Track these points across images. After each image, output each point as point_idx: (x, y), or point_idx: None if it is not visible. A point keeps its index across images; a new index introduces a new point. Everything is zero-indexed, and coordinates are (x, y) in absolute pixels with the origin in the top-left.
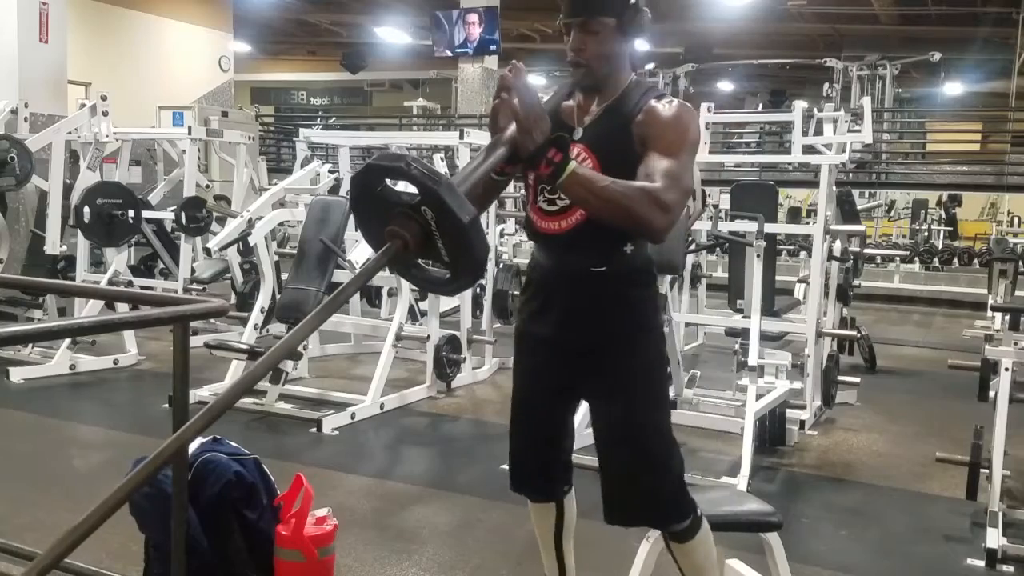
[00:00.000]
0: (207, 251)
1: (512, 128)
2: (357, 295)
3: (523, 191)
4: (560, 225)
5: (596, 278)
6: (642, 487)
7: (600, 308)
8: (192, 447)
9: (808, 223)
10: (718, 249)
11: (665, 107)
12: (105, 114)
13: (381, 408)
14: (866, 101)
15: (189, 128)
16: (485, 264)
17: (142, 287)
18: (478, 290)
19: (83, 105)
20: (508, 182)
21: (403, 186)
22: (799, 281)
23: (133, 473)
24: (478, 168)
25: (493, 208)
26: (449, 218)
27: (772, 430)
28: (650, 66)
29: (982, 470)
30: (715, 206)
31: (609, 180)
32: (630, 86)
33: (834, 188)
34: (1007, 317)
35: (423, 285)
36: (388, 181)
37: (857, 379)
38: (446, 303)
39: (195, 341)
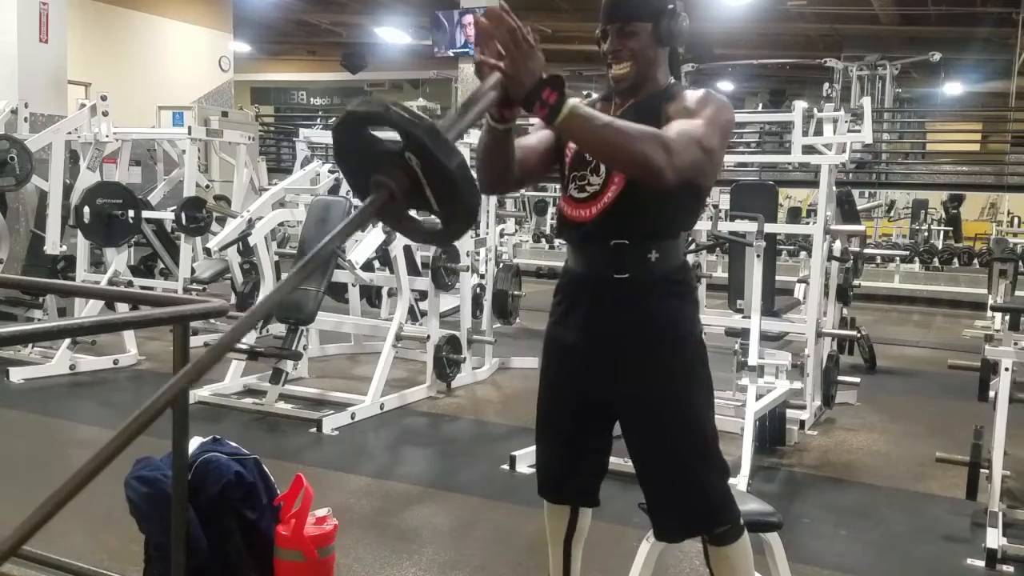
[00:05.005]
0: (207, 251)
1: (496, 74)
2: (357, 295)
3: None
4: (588, 212)
5: (619, 285)
6: (684, 494)
7: (623, 315)
8: (192, 447)
9: (808, 223)
10: (718, 249)
11: (695, 91)
12: (105, 114)
13: (381, 408)
14: (866, 101)
15: (189, 128)
16: (477, 211)
17: (142, 287)
18: (478, 290)
19: (83, 105)
20: (511, 133)
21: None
22: (799, 281)
23: (127, 423)
24: (467, 113)
25: (492, 207)
26: (434, 164)
27: (772, 430)
28: None
29: (982, 470)
30: (715, 206)
31: (611, 118)
32: (668, 87)
33: (834, 188)
34: (1007, 317)
35: (415, 236)
36: (372, 130)
37: (857, 379)
38: (446, 303)
39: (195, 341)
